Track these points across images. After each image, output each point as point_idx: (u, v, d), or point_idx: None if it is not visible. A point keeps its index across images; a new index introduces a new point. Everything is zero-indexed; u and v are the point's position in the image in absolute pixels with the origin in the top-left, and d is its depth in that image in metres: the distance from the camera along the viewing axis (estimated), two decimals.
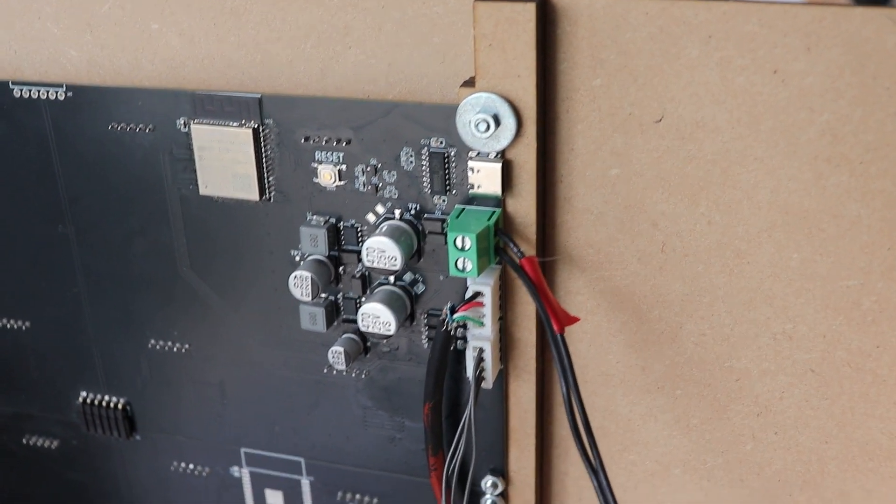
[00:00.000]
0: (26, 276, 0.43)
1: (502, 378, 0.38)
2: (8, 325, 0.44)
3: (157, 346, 0.42)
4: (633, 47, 0.33)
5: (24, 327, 0.44)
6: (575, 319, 0.35)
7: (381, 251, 0.35)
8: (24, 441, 0.47)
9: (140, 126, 0.38)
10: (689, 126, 0.33)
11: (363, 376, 0.40)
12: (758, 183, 0.34)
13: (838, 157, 0.32)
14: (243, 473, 0.44)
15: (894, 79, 0.31)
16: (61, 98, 0.38)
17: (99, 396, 0.45)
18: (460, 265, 0.34)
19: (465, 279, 0.35)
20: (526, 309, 0.37)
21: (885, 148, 0.32)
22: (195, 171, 0.38)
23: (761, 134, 0.33)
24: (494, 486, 0.40)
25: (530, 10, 0.32)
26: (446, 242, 0.35)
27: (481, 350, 0.36)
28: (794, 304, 0.35)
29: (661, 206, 0.35)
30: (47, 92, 0.38)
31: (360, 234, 0.37)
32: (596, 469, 0.32)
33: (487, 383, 0.37)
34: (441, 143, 0.35)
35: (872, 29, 0.30)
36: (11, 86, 0.39)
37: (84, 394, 0.45)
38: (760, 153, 0.33)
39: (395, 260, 0.35)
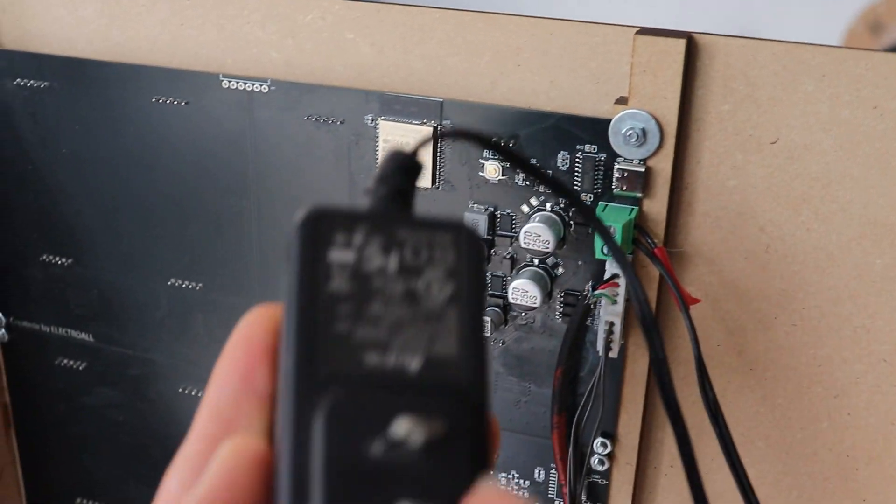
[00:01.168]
0: (206, 243, 0.50)
1: (621, 352, 0.45)
2: (183, 285, 0.51)
3: None
4: (758, 80, 0.40)
5: (197, 287, 0.51)
6: (697, 300, 0.42)
7: (536, 235, 0.42)
8: (181, 389, 0.54)
9: (332, 119, 0.45)
10: (799, 148, 0.41)
11: (500, 345, 0.47)
12: (852, 199, 0.41)
13: None
14: None
15: None
16: (265, 91, 0.45)
17: None
18: (605, 250, 0.41)
19: (605, 263, 0.42)
20: (648, 294, 0.44)
21: None
22: (376, 159, 0.45)
23: (858, 158, 0.40)
24: (604, 445, 0.47)
25: (681, 45, 0.39)
26: (592, 231, 0.42)
27: (612, 324, 0.43)
28: (874, 302, 0.42)
29: (769, 214, 0.42)
30: (253, 85, 0.46)
31: (513, 222, 0.44)
32: (716, 414, 0.39)
33: (614, 353, 0.43)
34: (594, 149, 0.42)
35: None
36: (221, 77, 0.46)
37: None
38: (856, 174, 0.40)
39: (548, 243, 0.42)
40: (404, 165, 0.27)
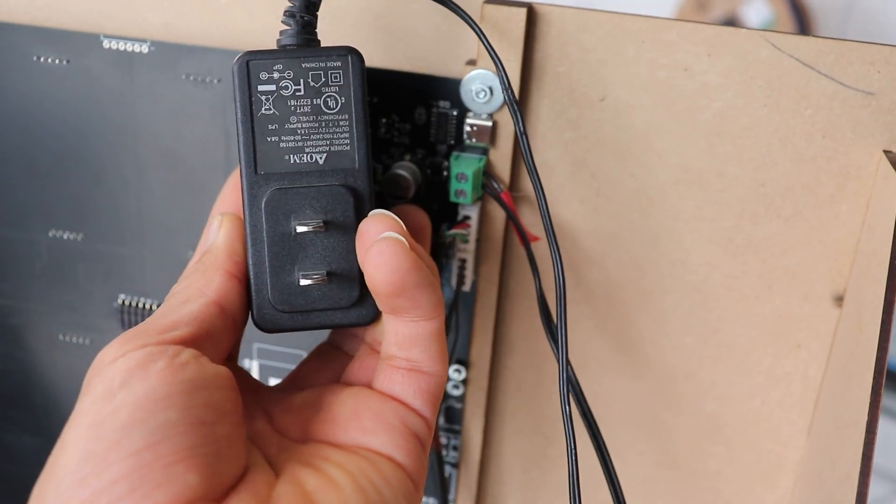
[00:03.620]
0: (86, 195, 0.53)
1: (473, 286, 0.51)
2: (64, 236, 0.54)
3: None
4: (589, 45, 0.46)
5: (77, 238, 0.54)
6: (537, 238, 0.48)
7: (395, 182, 0.47)
8: (60, 337, 0.57)
9: (209, 78, 0.49)
10: (623, 105, 0.47)
11: None
12: (668, 148, 0.47)
13: (724, 133, 0.46)
14: (253, 365, 0.55)
15: (766, 78, 0.45)
16: (144, 52, 0.49)
17: (136, 299, 0.55)
18: (458, 195, 0.46)
19: (458, 206, 0.48)
20: (495, 234, 0.50)
21: (757, 126, 0.46)
22: None
23: (673, 113, 0.47)
24: (458, 371, 0.52)
25: (522, 13, 0.45)
26: (447, 177, 0.47)
27: (464, 261, 0.49)
28: (687, 238, 0.49)
29: (598, 162, 0.49)
30: (133, 45, 0.49)
31: (375, 173, 0.49)
32: (556, 339, 0.45)
33: (466, 287, 0.49)
34: (447, 105, 0.47)
35: (753, 43, 0.45)
36: (102, 38, 0.49)
37: (123, 296, 0.55)
38: (671, 127, 0.47)
39: (408, 190, 0.47)
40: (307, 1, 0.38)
